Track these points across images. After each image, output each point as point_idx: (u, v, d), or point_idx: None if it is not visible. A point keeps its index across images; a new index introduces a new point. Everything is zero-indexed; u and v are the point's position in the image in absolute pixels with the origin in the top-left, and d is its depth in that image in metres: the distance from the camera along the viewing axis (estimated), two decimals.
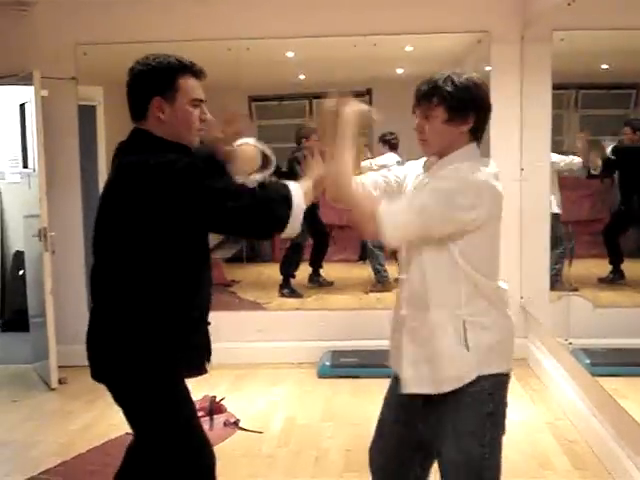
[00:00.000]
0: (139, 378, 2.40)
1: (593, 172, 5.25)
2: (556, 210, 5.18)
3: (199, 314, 2.51)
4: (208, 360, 2.57)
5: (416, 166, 2.49)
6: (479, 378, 2.30)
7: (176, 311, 2.40)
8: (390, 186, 2.50)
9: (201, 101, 2.42)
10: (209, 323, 2.56)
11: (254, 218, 2.31)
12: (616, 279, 5.08)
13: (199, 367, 2.53)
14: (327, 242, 7.05)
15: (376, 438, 2.62)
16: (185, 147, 2.41)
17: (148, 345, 2.37)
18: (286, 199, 2.31)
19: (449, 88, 2.27)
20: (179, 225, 2.29)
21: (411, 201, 2.28)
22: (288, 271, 6.79)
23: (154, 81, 2.37)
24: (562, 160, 5.21)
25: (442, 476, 2.38)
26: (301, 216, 2.33)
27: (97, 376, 2.48)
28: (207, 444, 2.56)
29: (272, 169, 2.67)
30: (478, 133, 2.35)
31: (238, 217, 2.29)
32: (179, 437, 2.45)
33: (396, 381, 2.47)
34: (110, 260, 2.41)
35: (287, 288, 6.69)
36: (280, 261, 6.89)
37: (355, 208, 2.33)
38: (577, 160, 5.21)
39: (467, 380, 2.29)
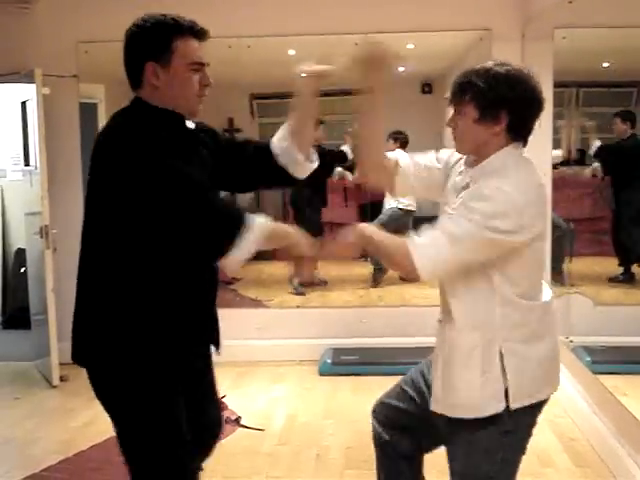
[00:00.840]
0: (120, 365, 2.23)
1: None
2: None
3: (189, 300, 2.27)
4: (216, 345, 2.45)
5: (457, 158, 2.32)
6: (514, 410, 2.15)
7: (162, 297, 2.18)
8: (432, 177, 2.37)
9: (202, 65, 2.19)
10: (213, 309, 2.41)
11: (208, 222, 2.05)
12: (626, 279, 5.07)
13: (191, 354, 2.33)
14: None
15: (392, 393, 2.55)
16: (179, 117, 2.21)
17: (131, 332, 2.18)
18: (239, 221, 2.05)
19: (481, 84, 2.08)
20: (141, 210, 2.05)
21: (445, 231, 2.07)
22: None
23: (147, 44, 2.15)
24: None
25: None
26: (242, 258, 2.06)
27: (77, 359, 2.31)
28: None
29: (317, 162, 2.48)
30: (519, 133, 2.16)
31: (194, 213, 2.04)
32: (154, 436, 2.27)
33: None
34: (93, 244, 2.22)
35: (297, 285, 6.72)
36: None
37: (386, 251, 2.19)
38: (555, 153, 5.21)
39: (487, 413, 2.15)
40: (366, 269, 6.82)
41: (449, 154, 2.37)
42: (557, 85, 4.90)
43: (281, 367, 5.56)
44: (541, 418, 4.39)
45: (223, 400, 4.58)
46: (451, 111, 2.19)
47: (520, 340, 2.15)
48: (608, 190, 5.37)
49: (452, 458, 2.29)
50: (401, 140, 5.84)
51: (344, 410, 4.65)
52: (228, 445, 4.12)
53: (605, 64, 5.15)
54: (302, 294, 6.63)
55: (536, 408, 2.25)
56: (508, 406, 2.14)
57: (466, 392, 2.17)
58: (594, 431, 3.97)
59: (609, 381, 3.92)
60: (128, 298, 2.17)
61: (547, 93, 5.07)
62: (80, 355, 2.30)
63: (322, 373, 5.38)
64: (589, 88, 5.29)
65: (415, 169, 2.40)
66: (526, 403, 2.17)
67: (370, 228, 2.25)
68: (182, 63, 2.15)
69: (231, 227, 2.04)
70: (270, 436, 4.29)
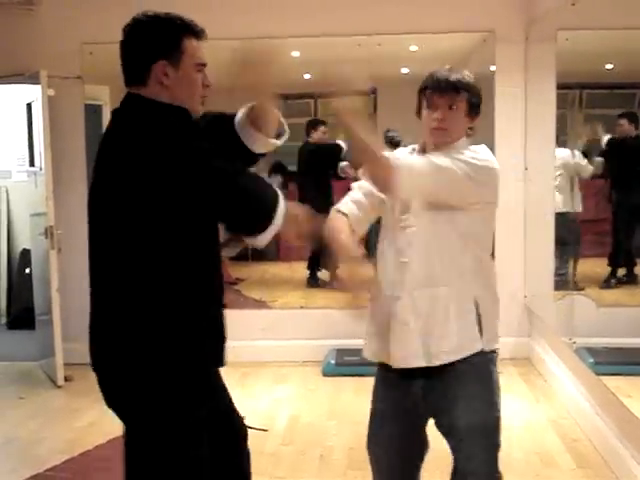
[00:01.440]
0: (144, 375, 2.15)
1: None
2: (562, 209, 5.16)
3: (210, 307, 2.23)
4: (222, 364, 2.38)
5: (404, 152, 2.49)
6: (484, 351, 2.38)
7: (184, 305, 2.12)
8: (370, 202, 2.49)
9: (204, 65, 2.17)
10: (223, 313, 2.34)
11: (250, 202, 2.06)
12: (629, 281, 5.07)
13: (217, 358, 2.31)
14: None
15: (376, 431, 2.68)
16: (185, 111, 2.15)
17: (154, 340, 2.10)
18: (275, 201, 2.06)
19: (472, 83, 2.38)
20: (178, 207, 2.01)
21: (431, 159, 2.29)
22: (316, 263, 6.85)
23: (158, 42, 2.10)
24: (580, 160, 5.21)
25: (456, 444, 2.40)
26: (277, 229, 2.06)
27: (97, 367, 2.27)
28: None
29: (286, 137, 2.40)
30: (471, 130, 2.45)
31: (237, 197, 2.04)
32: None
33: (386, 371, 2.53)
34: (110, 254, 2.16)
35: (318, 279, 6.76)
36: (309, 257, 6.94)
37: (374, 160, 2.25)
38: (590, 168, 5.23)
39: (468, 352, 2.37)
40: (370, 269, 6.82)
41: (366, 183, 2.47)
42: (560, 87, 4.90)
43: (285, 368, 5.57)
44: (544, 419, 4.42)
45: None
46: (442, 107, 2.35)
47: (489, 292, 2.43)
48: (611, 191, 5.38)
49: (458, 418, 2.37)
50: (394, 139, 5.83)
51: (348, 411, 4.66)
52: None
53: (608, 66, 5.15)
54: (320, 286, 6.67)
55: (495, 359, 2.47)
56: (482, 348, 2.37)
57: (449, 338, 2.36)
58: (597, 432, 3.97)
59: (612, 382, 3.92)
60: (148, 308, 2.11)
61: (550, 95, 5.13)
62: (104, 369, 2.30)
63: (326, 374, 5.39)
64: (592, 90, 5.28)
65: (359, 209, 2.51)
66: (493, 347, 2.43)
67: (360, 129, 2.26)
68: (190, 63, 2.13)
69: (269, 206, 2.05)
70: (274, 436, 4.29)
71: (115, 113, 2.19)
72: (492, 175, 2.34)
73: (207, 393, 2.24)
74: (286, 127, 2.37)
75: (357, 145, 2.24)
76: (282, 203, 2.07)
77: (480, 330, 2.37)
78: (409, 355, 2.40)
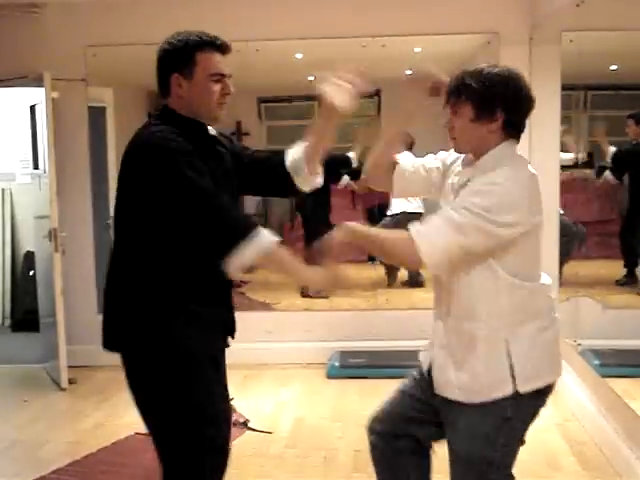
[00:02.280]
0: (152, 348, 2.35)
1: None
2: None
3: (213, 287, 2.44)
4: (231, 335, 2.57)
5: (455, 157, 2.40)
6: (522, 394, 2.23)
7: (189, 282, 2.35)
8: (430, 175, 2.46)
9: (223, 75, 2.38)
10: (231, 297, 2.57)
11: (221, 218, 2.23)
12: (629, 282, 5.05)
13: (217, 339, 2.51)
14: None
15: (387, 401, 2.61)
16: (199, 124, 2.40)
17: (160, 316, 2.34)
18: (253, 227, 2.21)
19: (475, 84, 2.18)
20: (161, 206, 2.24)
21: (447, 218, 2.15)
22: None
23: (173, 58, 2.37)
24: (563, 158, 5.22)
25: (450, 468, 2.36)
26: (247, 259, 2.18)
27: (109, 345, 2.43)
28: (221, 437, 2.52)
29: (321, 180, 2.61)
30: (513, 130, 2.25)
31: (208, 212, 2.21)
32: (187, 421, 2.38)
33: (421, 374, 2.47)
34: (124, 232, 2.39)
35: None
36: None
37: (385, 243, 2.28)
38: (566, 157, 5.20)
39: (496, 397, 2.22)
40: (373, 272, 6.83)
41: (446, 155, 2.46)
42: (565, 88, 4.90)
43: (289, 370, 5.57)
44: (549, 421, 4.40)
45: (231, 403, 4.58)
46: (447, 114, 2.28)
47: (525, 324, 2.24)
48: (620, 193, 5.36)
49: (453, 443, 2.34)
50: (407, 142, 5.85)
51: (352, 413, 4.65)
52: (236, 448, 4.11)
53: (613, 67, 5.14)
54: (325, 297, 6.66)
55: (540, 395, 2.32)
56: (516, 390, 2.21)
57: (473, 377, 2.24)
58: (602, 435, 3.96)
59: (618, 384, 3.91)
60: (157, 285, 2.34)
61: (555, 96, 5.12)
62: (113, 341, 2.42)
63: (330, 376, 5.38)
64: (597, 91, 5.28)
65: (413, 168, 2.49)
66: (534, 387, 2.25)
67: (359, 226, 2.35)
68: (203, 74, 2.35)
69: (235, 232, 2.21)
70: (278, 439, 4.29)
71: (150, 120, 2.44)
72: (520, 206, 2.14)
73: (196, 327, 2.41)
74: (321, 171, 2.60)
75: (374, 248, 2.32)
76: (261, 236, 2.21)
77: (512, 371, 2.21)
78: (441, 382, 2.34)
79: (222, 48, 2.39)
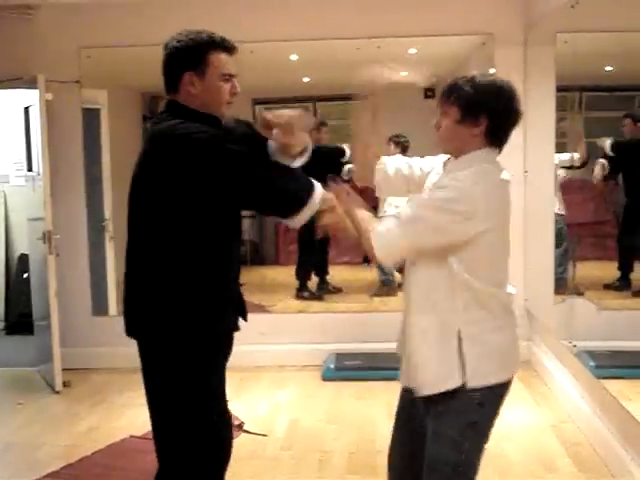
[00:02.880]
0: (171, 335, 2.45)
1: (597, 171, 5.19)
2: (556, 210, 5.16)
3: (230, 276, 2.60)
4: (244, 318, 2.74)
5: (440, 162, 2.48)
6: (471, 389, 2.29)
7: (209, 276, 2.47)
8: (412, 175, 2.55)
9: (231, 75, 2.49)
10: (241, 285, 2.72)
11: (280, 191, 2.41)
12: (622, 287, 5.04)
13: (232, 323, 2.66)
14: (327, 249, 7.06)
15: (392, 446, 2.63)
16: (215, 118, 2.50)
17: (182, 309, 2.44)
18: (309, 187, 2.41)
19: (466, 88, 2.26)
20: (207, 193, 2.36)
21: (400, 216, 2.28)
22: (304, 274, 6.83)
23: (186, 57, 2.45)
24: (559, 159, 5.19)
25: (423, 474, 2.40)
26: (312, 212, 2.41)
27: (131, 332, 2.53)
28: (227, 427, 2.68)
29: (308, 155, 2.64)
30: (495, 138, 2.32)
31: (266, 187, 2.39)
32: (198, 408, 2.50)
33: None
34: (145, 230, 2.47)
35: (306, 291, 6.74)
36: (297, 265, 6.93)
37: (361, 236, 2.38)
38: (576, 155, 5.18)
39: (443, 389, 2.30)
40: (370, 275, 6.82)
41: (433, 159, 2.55)
42: (560, 89, 4.89)
43: (284, 372, 5.56)
44: (545, 422, 4.40)
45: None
46: (438, 114, 2.36)
47: (480, 324, 2.32)
48: (613, 194, 5.35)
49: (426, 447, 2.39)
50: (403, 144, 5.85)
51: (347, 415, 4.65)
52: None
53: (608, 68, 5.14)
54: (318, 298, 6.66)
55: (496, 394, 2.37)
56: (464, 384, 2.28)
57: (423, 369, 2.35)
58: (598, 436, 3.96)
59: (613, 386, 3.91)
60: (177, 274, 2.44)
61: (550, 97, 5.12)
62: (134, 328, 2.53)
63: (325, 378, 5.38)
64: (592, 92, 5.27)
65: (398, 165, 2.59)
66: (483, 383, 2.31)
67: (358, 203, 2.47)
68: (215, 74, 2.46)
69: (304, 191, 2.40)
70: (273, 441, 4.28)
71: (159, 115, 2.53)
72: (477, 205, 2.22)
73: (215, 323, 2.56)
74: (309, 148, 2.64)
75: (355, 225, 2.41)
76: (318, 190, 2.41)
77: (462, 364, 2.28)
78: (403, 375, 2.49)
79: (230, 49, 2.49)
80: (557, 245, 5.17)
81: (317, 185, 2.44)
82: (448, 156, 2.43)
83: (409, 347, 2.39)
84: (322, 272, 6.98)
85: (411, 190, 2.58)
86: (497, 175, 2.32)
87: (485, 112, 2.26)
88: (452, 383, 2.29)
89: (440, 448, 2.33)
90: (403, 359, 2.47)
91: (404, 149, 5.78)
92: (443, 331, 2.30)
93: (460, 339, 2.28)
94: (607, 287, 5.02)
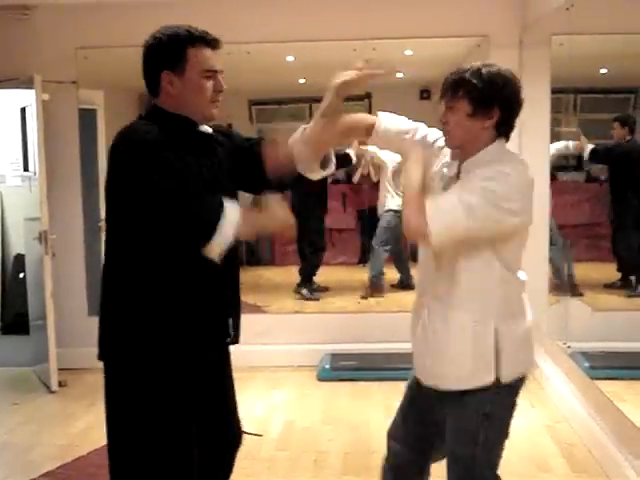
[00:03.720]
0: (137, 360, 2.29)
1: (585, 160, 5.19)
2: None
3: (209, 294, 2.38)
4: (235, 339, 2.57)
5: (443, 143, 2.40)
6: (505, 384, 2.29)
7: (176, 292, 2.27)
8: (408, 133, 2.47)
9: (215, 72, 2.30)
10: (237, 298, 2.60)
11: (190, 215, 2.15)
12: (623, 287, 5.06)
13: (207, 344, 2.43)
14: (322, 253, 7.09)
15: (397, 422, 2.62)
16: (187, 120, 2.30)
17: (152, 324, 2.27)
18: (218, 215, 2.14)
19: (475, 81, 2.21)
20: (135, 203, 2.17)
21: (459, 198, 2.18)
22: (309, 272, 6.86)
23: (162, 54, 2.27)
24: (555, 148, 5.21)
25: (447, 466, 2.43)
26: (225, 245, 2.16)
27: (102, 356, 2.36)
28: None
29: (332, 169, 2.56)
30: (504, 129, 2.30)
31: (175, 215, 2.15)
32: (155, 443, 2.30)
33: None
34: (116, 240, 2.32)
35: (306, 289, 6.76)
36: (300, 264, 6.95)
37: (407, 205, 2.28)
38: (572, 144, 5.19)
39: (479, 384, 2.28)
40: (365, 275, 6.84)
41: (438, 136, 2.45)
42: (555, 91, 4.91)
43: (280, 373, 5.56)
44: (539, 423, 4.41)
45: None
46: (442, 108, 2.30)
47: (511, 316, 2.31)
48: (606, 196, 5.38)
49: (446, 441, 2.40)
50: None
51: (343, 416, 4.65)
52: None
53: (603, 70, 5.17)
54: (316, 299, 6.68)
55: (517, 386, 2.37)
56: (498, 379, 2.27)
57: (459, 364, 2.30)
58: (592, 437, 3.97)
59: (607, 387, 3.92)
60: (144, 295, 2.27)
61: (545, 99, 5.13)
62: (103, 351, 2.36)
63: (321, 379, 5.38)
64: (587, 94, 5.30)
65: (396, 130, 2.49)
66: (515, 377, 2.32)
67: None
68: (195, 71, 2.26)
69: (209, 217, 2.14)
70: (268, 441, 4.28)
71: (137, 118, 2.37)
72: (527, 199, 2.22)
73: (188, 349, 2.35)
74: (333, 159, 2.55)
75: (407, 189, 2.30)
76: (230, 214, 2.15)
77: (497, 360, 2.27)
78: (426, 372, 2.42)
79: (212, 43, 2.30)
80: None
81: (227, 209, 2.16)
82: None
83: (438, 343, 2.33)
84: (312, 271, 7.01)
85: (404, 147, 2.49)
86: (527, 167, 2.30)
87: (497, 104, 2.23)
88: (487, 379, 2.28)
89: (458, 441, 2.35)
90: (424, 355, 2.39)
91: None
92: (481, 327, 2.26)
93: (497, 335, 2.26)
94: (608, 287, 5.05)
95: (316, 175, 2.55)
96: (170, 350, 2.29)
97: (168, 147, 2.18)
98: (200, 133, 2.37)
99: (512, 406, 2.41)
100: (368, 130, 2.50)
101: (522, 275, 2.36)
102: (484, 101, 2.22)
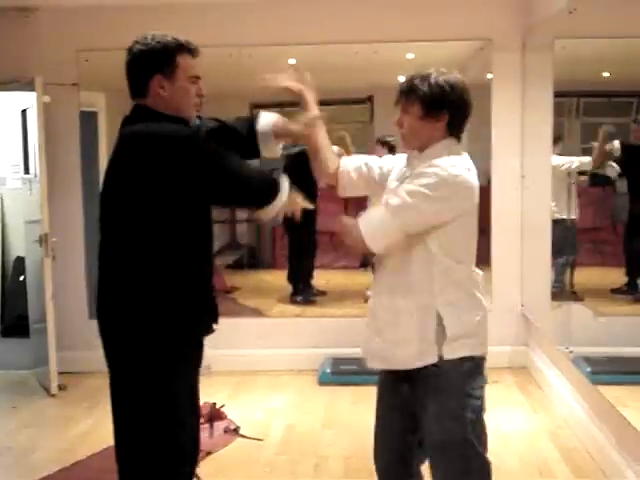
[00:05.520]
0: (142, 344, 2.43)
1: (611, 172, 5.16)
2: (557, 216, 5.14)
3: (202, 279, 2.57)
4: (215, 321, 2.63)
5: (401, 160, 2.61)
6: (456, 361, 2.41)
7: (180, 277, 2.46)
8: (371, 173, 2.66)
9: (198, 78, 2.52)
10: (213, 286, 2.66)
11: (251, 186, 2.50)
12: (630, 291, 5.04)
13: (204, 327, 2.59)
14: (314, 251, 7.05)
15: (378, 432, 2.76)
16: (184, 120, 2.50)
17: (154, 312, 2.43)
18: (275, 181, 2.51)
19: (424, 87, 2.41)
20: (182, 191, 2.37)
21: (387, 204, 2.39)
22: (298, 278, 6.83)
23: (154, 60, 2.46)
24: (570, 161, 5.19)
25: (429, 458, 2.52)
26: (278, 207, 2.49)
27: (100, 331, 2.52)
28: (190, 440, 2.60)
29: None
30: (454, 130, 2.47)
31: (239, 183, 2.47)
32: (154, 415, 2.46)
33: (381, 374, 2.70)
34: (116, 230, 2.46)
35: (300, 295, 6.74)
36: (288, 269, 6.92)
37: (345, 230, 2.48)
38: (587, 160, 5.17)
39: (421, 363, 2.42)
40: (367, 278, 6.82)
41: (392, 158, 2.74)
42: (557, 95, 4.90)
43: (280, 377, 5.55)
44: (541, 428, 4.39)
45: (222, 410, 4.57)
46: (398, 112, 2.50)
47: (457, 304, 2.44)
48: (612, 200, 5.37)
49: (428, 431, 2.48)
50: (390, 144, 5.82)
51: (343, 420, 4.64)
52: (227, 455, 4.11)
53: (605, 74, 5.15)
54: (312, 302, 6.66)
55: (477, 365, 2.49)
56: (441, 357, 2.40)
57: (403, 346, 2.46)
58: (594, 442, 3.95)
59: (609, 392, 3.91)
60: (146, 280, 2.43)
61: (547, 103, 5.12)
62: (102, 327, 2.51)
63: (321, 383, 5.37)
64: (589, 98, 5.28)
65: (357, 164, 2.69)
66: (460, 354, 2.42)
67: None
68: (184, 76, 2.48)
69: (271, 188, 2.50)
70: (269, 446, 4.27)
71: (125, 120, 2.53)
72: (459, 187, 2.38)
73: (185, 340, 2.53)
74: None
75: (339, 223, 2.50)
76: (284, 184, 2.51)
77: (442, 338, 2.40)
78: (369, 355, 2.62)
79: (194, 52, 2.52)
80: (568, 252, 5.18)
81: (282, 180, 2.52)
82: (406, 155, 2.57)
83: (386, 327, 2.49)
84: (307, 276, 6.98)
85: (371, 189, 2.71)
86: (467, 159, 2.47)
87: (446, 107, 2.42)
88: (431, 358, 2.41)
89: (445, 427, 2.42)
90: (375, 340, 2.55)
91: (391, 149, 5.76)
92: (422, 312, 2.41)
93: (440, 319, 2.40)
94: (614, 292, 5.03)
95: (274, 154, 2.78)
96: (169, 337, 2.45)
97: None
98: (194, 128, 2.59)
99: (483, 383, 2.51)
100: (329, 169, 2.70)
101: (475, 269, 2.51)
102: (433, 105, 2.42)
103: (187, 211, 2.43)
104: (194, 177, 2.36)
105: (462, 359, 2.42)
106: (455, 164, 2.39)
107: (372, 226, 2.41)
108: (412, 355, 2.44)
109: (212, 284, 2.66)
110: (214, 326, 2.63)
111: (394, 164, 2.64)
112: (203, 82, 2.55)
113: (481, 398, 2.48)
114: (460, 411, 2.41)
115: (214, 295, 2.67)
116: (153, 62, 2.46)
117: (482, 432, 2.47)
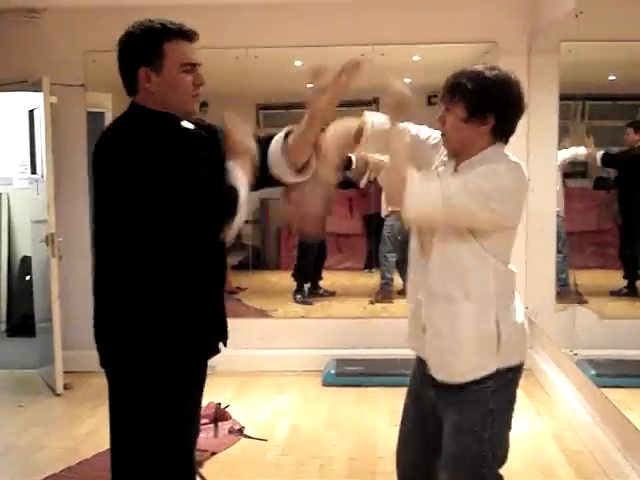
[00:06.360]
0: (142, 364, 2.25)
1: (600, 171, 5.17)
2: None
3: (204, 297, 2.32)
4: (224, 342, 2.45)
5: (436, 140, 2.42)
6: (485, 377, 2.30)
7: (178, 294, 2.23)
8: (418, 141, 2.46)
9: (194, 65, 2.23)
10: (223, 304, 2.44)
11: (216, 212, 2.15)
12: (629, 293, 5.04)
13: (209, 351, 2.39)
14: (324, 253, 7.05)
15: (402, 434, 2.61)
16: (173, 117, 2.25)
17: (152, 329, 2.23)
18: (235, 204, 2.14)
19: (470, 86, 2.22)
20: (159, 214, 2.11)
21: (444, 187, 2.19)
22: (303, 277, 6.83)
23: (138, 50, 2.20)
24: (563, 157, 5.20)
25: (442, 469, 2.39)
26: (237, 227, 2.17)
27: (104, 363, 2.36)
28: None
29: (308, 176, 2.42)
30: (502, 134, 2.31)
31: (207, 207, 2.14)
32: (162, 443, 2.28)
33: (418, 365, 2.52)
34: (108, 248, 2.28)
35: (300, 294, 6.74)
36: (293, 267, 6.93)
37: (394, 168, 2.29)
38: (582, 151, 5.18)
39: (484, 374, 2.30)
40: (371, 280, 6.82)
41: (431, 133, 2.48)
42: (563, 98, 4.90)
43: (285, 377, 5.56)
44: (545, 431, 4.39)
45: (227, 410, 4.58)
46: (442, 108, 2.31)
47: (508, 306, 2.34)
48: (614, 203, 5.36)
49: (445, 442, 2.38)
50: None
51: (348, 421, 4.64)
52: (231, 455, 4.12)
53: (611, 77, 5.15)
54: (309, 304, 6.65)
55: (515, 378, 2.41)
56: (498, 368, 2.30)
57: (465, 357, 2.31)
58: (598, 444, 3.95)
59: (614, 394, 3.91)
60: (145, 298, 2.22)
61: (553, 106, 5.12)
62: (108, 359, 2.35)
63: (326, 384, 5.37)
64: (595, 101, 5.28)
65: (382, 121, 2.46)
66: (512, 363, 2.33)
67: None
68: (174, 65, 2.19)
69: (230, 208, 2.12)
70: (273, 446, 4.28)
71: (116, 119, 2.30)
72: (515, 200, 2.25)
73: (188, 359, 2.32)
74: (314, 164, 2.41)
75: (394, 154, 2.30)
76: (240, 199, 2.14)
77: (498, 349, 2.29)
78: (432, 365, 2.40)
79: (189, 35, 2.24)
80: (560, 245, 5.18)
81: (242, 197, 2.16)
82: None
83: (441, 338, 2.34)
84: (315, 276, 6.98)
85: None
86: (522, 171, 2.30)
87: (492, 111, 2.23)
88: (491, 368, 2.30)
89: (462, 441, 2.32)
90: (430, 353, 2.40)
91: None
92: (482, 318, 2.28)
93: (498, 324, 2.28)
94: (614, 294, 5.02)
95: (290, 179, 2.42)
96: (171, 352, 2.25)
97: (163, 147, 2.15)
98: (183, 129, 2.31)
99: (511, 399, 2.43)
100: (356, 137, 2.47)
101: (513, 267, 2.40)
102: (478, 108, 2.22)
103: (184, 231, 2.14)
104: (152, 195, 2.08)
105: (496, 372, 2.31)
106: (514, 177, 2.25)
107: (420, 199, 2.19)
108: (474, 365, 2.31)
109: (222, 304, 2.43)
110: (221, 346, 2.43)
111: (430, 133, 2.46)
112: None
113: (505, 415, 2.41)
114: (478, 428, 2.31)
115: (224, 314, 2.44)
116: (136, 53, 2.20)
117: (500, 447, 2.40)
